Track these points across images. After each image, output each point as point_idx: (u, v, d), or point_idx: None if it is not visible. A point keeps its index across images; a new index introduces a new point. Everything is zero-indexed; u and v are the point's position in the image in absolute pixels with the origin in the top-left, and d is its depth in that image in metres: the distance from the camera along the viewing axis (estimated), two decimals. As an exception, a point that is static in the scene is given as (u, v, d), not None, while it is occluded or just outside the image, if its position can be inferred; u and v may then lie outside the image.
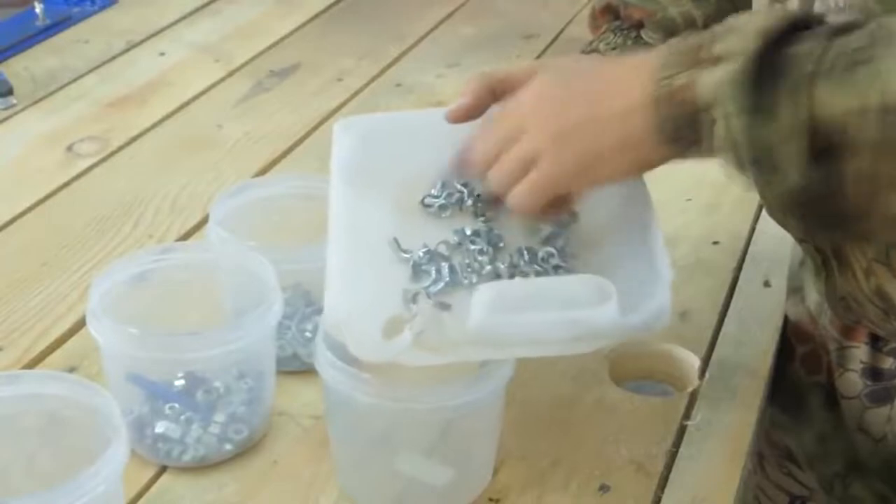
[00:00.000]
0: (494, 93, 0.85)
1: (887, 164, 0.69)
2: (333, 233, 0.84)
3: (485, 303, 0.77)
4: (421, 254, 0.85)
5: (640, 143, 0.77)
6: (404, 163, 0.90)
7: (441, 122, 0.87)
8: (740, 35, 0.73)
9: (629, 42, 0.95)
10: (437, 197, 0.89)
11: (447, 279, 0.83)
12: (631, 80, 0.77)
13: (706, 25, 0.95)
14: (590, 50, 0.96)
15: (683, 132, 0.75)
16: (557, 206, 0.84)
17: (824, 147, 0.70)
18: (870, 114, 0.68)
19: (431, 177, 0.90)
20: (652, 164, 0.80)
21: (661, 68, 0.76)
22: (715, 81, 0.73)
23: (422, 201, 0.89)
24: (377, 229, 0.86)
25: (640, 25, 0.97)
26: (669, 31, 0.95)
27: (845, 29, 0.72)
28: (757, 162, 0.72)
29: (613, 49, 0.94)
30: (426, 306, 0.80)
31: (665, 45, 0.78)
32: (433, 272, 0.83)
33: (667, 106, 0.75)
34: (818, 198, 0.72)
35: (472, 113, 0.86)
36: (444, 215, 0.89)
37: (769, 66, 0.71)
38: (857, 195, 0.71)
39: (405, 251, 0.85)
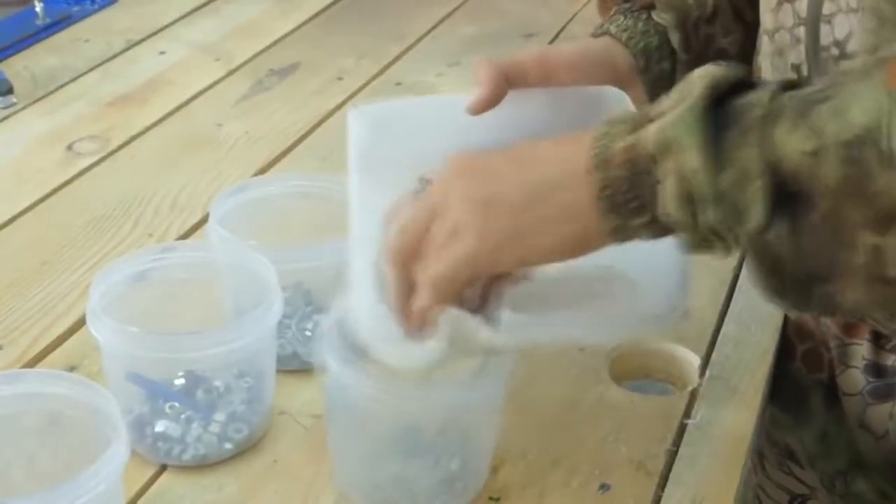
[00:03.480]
0: (509, 78, 0.85)
1: (850, 208, 0.65)
2: (357, 231, 0.83)
3: (511, 301, 0.76)
4: None
5: (579, 214, 0.70)
6: (420, 148, 0.89)
7: (456, 107, 0.87)
8: (683, 90, 0.69)
9: (640, 24, 0.94)
10: None
11: None
12: (568, 149, 0.72)
13: (715, 9, 0.96)
14: (600, 33, 0.95)
15: (622, 199, 0.69)
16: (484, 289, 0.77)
17: (783, 198, 0.66)
18: (828, 152, 0.64)
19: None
20: (593, 242, 0.72)
21: (597, 137, 0.70)
22: (661, 127, 0.68)
23: None
24: None
25: (650, 7, 0.96)
26: (680, 11, 0.95)
27: (795, 84, 0.69)
28: (719, 202, 0.67)
29: (624, 31, 0.94)
30: (451, 310, 0.77)
31: (604, 120, 0.72)
32: None
33: (605, 170, 0.69)
34: (777, 257, 0.68)
35: (492, 102, 0.85)
36: None
37: (716, 115, 0.67)
38: (816, 248, 0.67)
39: None
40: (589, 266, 0.80)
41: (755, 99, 0.67)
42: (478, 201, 0.72)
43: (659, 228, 0.70)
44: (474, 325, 0.76)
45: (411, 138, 0.88)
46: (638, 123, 0.70)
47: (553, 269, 0.79)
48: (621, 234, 0.71)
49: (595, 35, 0.96)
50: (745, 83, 0.69)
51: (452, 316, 0.76)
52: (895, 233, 0.65)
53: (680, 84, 0.70)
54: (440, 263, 0.73)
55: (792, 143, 0.65)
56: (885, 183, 0.64)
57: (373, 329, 0.80)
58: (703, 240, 0.69)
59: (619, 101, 0.90)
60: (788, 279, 0.69)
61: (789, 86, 0.68)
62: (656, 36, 0.94)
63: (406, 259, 0.75)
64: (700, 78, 0.69)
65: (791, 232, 0.67)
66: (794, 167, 0.65)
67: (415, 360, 0.78)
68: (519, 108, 0.87)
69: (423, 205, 0.75)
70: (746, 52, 0.94)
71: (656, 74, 0.93)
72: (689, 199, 0.67)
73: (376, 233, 0.81)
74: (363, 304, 0.80)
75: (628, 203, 0.69)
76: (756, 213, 0.66)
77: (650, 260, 0.81)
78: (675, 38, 0.94)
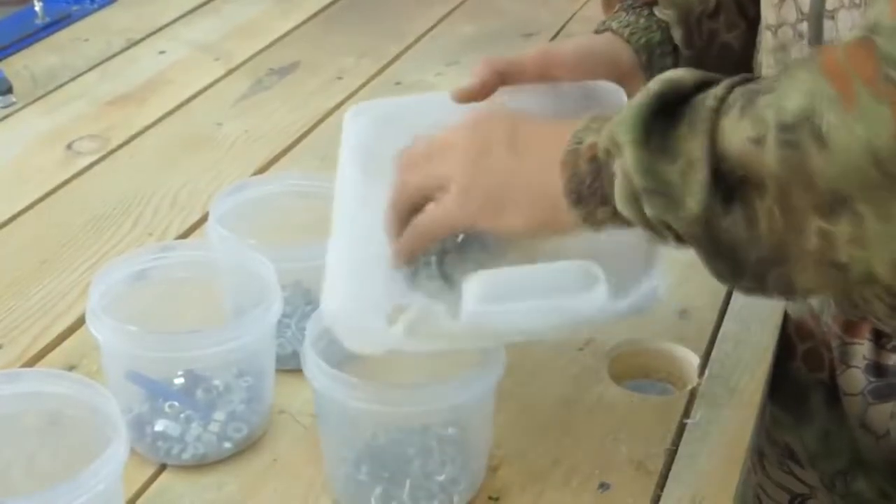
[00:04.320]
0: (502, 76, 0.86)
1: (797, 192, 0.66)
2: (337, 223, 0.84)
3: (475, 293, 0.78)
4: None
5: (550, 204, 0.75)
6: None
7: (451, 105, 0.87)
8: (641, 92, 0.72)
9: (642, 20, 0.95)
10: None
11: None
12: (552, 141, 0.76)
13: (718, 4, 0.96)
14: (603, 29, 0.95)
15: (587, 192, 0.74)
16: None
17: (733, 187, 0.68)
18: (768, 139, 0.66)
19: None
20: (562, 228, 0.77)
21: (576, 132, 0.75)
22: (609, 128, 0.72)
23: None
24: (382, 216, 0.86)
25: (653, 3, 0.96)
26: (683, 7, 0.95)
27: (752, 79, 0.70)
28: (651, 193, 0.70)
29: (626, 27, 0.94)
30: (418, 297, 0.80)
31: (590, 115, 0.76)
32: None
33: (573, 165, 0.74)
34: (733, 246, 0.69)
35: (477, 94, 0.86)
36: None
37: (672, 113, 0.70)
38: (770, 235, 0.68)
39: None
40: (557, 261, 0.81)
41: (711, 94, 0.69)
42: (468, 168, 0.78)
43: (623, 220, 0.73)
44: (437, 313, 0.78)
45: (406, 135, 0.88)
46: (608, 121, 0.73)
47: (521, 263, 0.81)
48: (590, 222, 0.75)
49: (598, 31, 0.96)
50: (708, 83, 0.71)
51: (417, 302, 0.78)
52: (843, 219, 0.65)
53: (643, 88, 0.73)
54: (423, 217, 0.80)
55: (738, 132, 0.67)
56: (822, 164, 0.64)
57: (339, 313, 0.80)
58: (655, 231, 0.72)
59: (616, 96, 0.90)
60: (744, 264, 0.70)
61: (745, 81, 0.70)
62: (659, 32, 0.94)
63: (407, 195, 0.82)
64: (655, 82, 0.72)
65: (745, 218, 0.68)
66: (740, 155, 0.67)
67: (377, 345, 0.79)
68: (517, 103, 0.87)
69: (430, 145, 0.82)
70: (750, 46, 0.95)
71: (659, 70, 0.93)
72: (633, 195, 0.71)
73: (357, 228, 0.83)
74: (333, 289, 0.81)
75: (592, 196, 0.74)
76: (693, 203, 0.68)
77: (621, 255, 0.82)
78: (677, 35, 0.94)
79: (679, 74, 0.72)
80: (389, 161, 0.85)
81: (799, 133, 0.65)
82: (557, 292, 0.78)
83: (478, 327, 0.78)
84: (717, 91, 0.69)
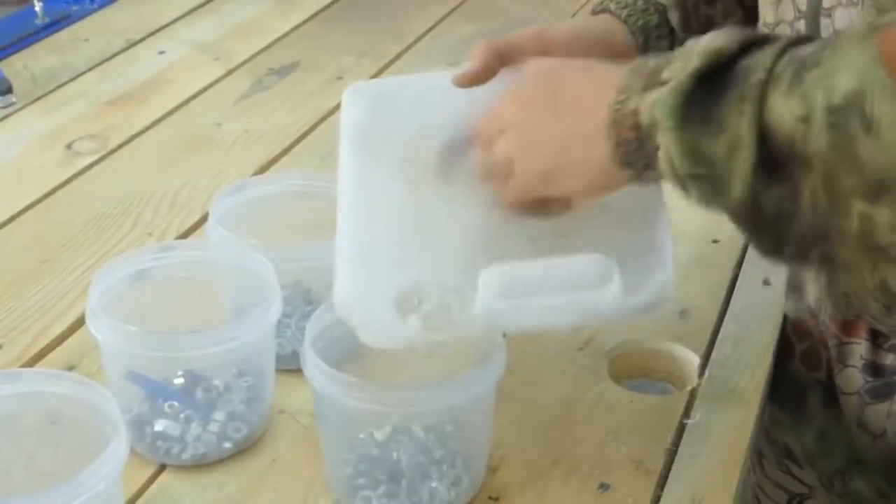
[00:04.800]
0: (501, 57, 0.87)
1: (842, 174, 0.66)
2: (344, 210, 0.84)
3: (490, 287, 0.78)
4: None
5: (599, 167, 0.77)
6: (414, 124, 0.89)
7: (449, 85, 0.87)
8: (686, 56, 0.72)
9: (639, 2, 0.95)
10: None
11: None
12: (596, 99, 0.76)
13: None
14: (599, 10, 0.96)
15: (633, 158, 0.74)
16: (545, 203, 0.84)
17: (779, 161, 0.68)
18: (816, 119, 0.66)
19: (442, 137, 0.89)
20: (613, 186, 0.79)
21: (618, 91, 0.75)
22: (650, 103, 0.72)
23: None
24: (389, 203, 0.85)
25: None
26: None
27: (799, 41, 0.70)
28: (696, 178, 0.71)
29: (624, 9, 0.94)
30: (433, 291, 0.80)
31: (631, 65, 0.76)
32: None
33: (617, 132, 0.74)
34: (776, 219, 0.70)
35: (479, 77, 0.87)
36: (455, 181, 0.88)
37: (717, 80, 0.70)
38: (813, 212, 0.69)
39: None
40: (575, 257, 0.81)
41: (759, 61, 0.69)
42: (522, 142, 0.81)
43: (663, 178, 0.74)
44: (452, 306, 0.79)
45: (407, 114, 0.88)
46: (648, 84, 0.73)
47: (538, 258, 0.82)
48: (641, 181, 0.76)
49: (594, 12, 0.96)
50: (752, 44, 0.71)
51: (434, 295, 0.79)
52: (886, 203, 0.66)
53: (685, 47, 0.73)
54: (505, 192, 0.83)
55: (785, 109, 0.67)
56: (869, 150, 0.65)
57: (352, 305, 0.80)
58: (700, 202, 0.73)
59: None
60: (787, 238, 0.71)
61: (795, 42, 0.70)
62: (656, 14, 0.95)
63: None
64: (697, 54, 0.71)
65: (790, 193, 0.69)
66: (789, 133, 0.67)
67: (393, 338, 0.80)
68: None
69: (487, 125, 0.83)
70: None
71: (655, 52, 0.94)
72: (677, 178, 0.72)
73: (364, 218, 0.83)
74: (346, 280, 0.81)
75: (639, 161, 0.74)
76: (739, 185, 0.69)
77: (637, 251, 0.82)
78: (674, 17, 0.95)
79: (721, 44, 0.71)
80: (386, 141, 0.86)
81: (847, 117, 0.65)
82: (573, 287, 0.79)
83: (492, 322, 0.80)
84: (764, 61, 0.69)
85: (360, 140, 0.87)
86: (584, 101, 0.78)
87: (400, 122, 0.87)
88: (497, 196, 0.83)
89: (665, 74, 0.72)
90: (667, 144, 0.71)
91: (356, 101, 0.90)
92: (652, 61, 0.75)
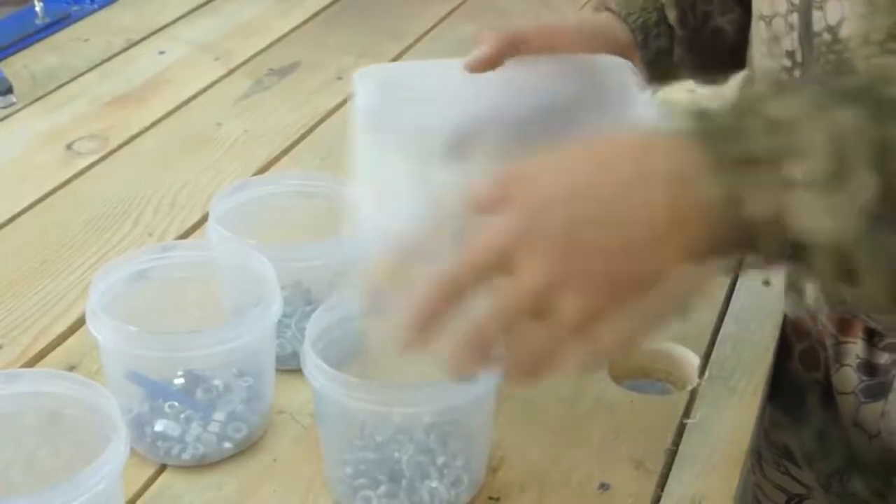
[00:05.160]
0: (513, 45, 0.86)
1: None
2: (365, 196, 0.83)
3: None
4: None
5: (674, 270, 0.63)
6: (426, 109, 0.89)
7: (457, 71, 0.87)
8: (817, 152, 0.60)
9: (639, 0, 0.95)
10: None
11: None
12: (653, 189, 0.61)
13: None
14: (601, 8, 0.96)
15: (756, 251, 0.63)
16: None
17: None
18: None
19: (452, 122, 0.88)
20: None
21: (704, 183, 0.60)
22: (828, 226, 0.60)
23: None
24: (400, 185, 0.85)
25: None
26: None
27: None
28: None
29: (623, 7, 0.95)
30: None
31: (691, 138, 0.62)
32: None
33: (733, 234, 0.61)
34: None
35: (491, 62, 0.86)
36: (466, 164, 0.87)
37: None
38: None
39: None
40: None
41: None
42: (560, 255, 0.62)
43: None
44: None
45: (418, 99, 0.88)
46: (769, 179, 0.60)
47: None
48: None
49: (596, 10, 0.97)
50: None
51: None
52: None
53: (782, 108, 0.62)
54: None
55: None
56: None
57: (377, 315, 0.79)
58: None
59: (623, 70, 0.90)
60: None
61: None
62: (654, 12, 0.96)
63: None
64: (866, 144, 0.60)
65: None
66: None
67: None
68: (523, 73, 0.87)
69: (487, 252, 0.64)
70: (745, 31, 0.95)
71: (654, 50, 0.95)
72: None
73: (383, 193, 0.82)
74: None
75: (752, 255, 0.64)
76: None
77: None
78: (671, 15, 0.95)
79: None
80: (399, 123, 0.85)
81: None
82: None
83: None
84: None
85: (373, 122, 0.87)
86: (630, 192, 0.62)
87: (410, 105, 0.87)
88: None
89: (796, 172, 0.60)
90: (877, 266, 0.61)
91: (367, 83, 0.90)
92: (727, 141, 0.61)
